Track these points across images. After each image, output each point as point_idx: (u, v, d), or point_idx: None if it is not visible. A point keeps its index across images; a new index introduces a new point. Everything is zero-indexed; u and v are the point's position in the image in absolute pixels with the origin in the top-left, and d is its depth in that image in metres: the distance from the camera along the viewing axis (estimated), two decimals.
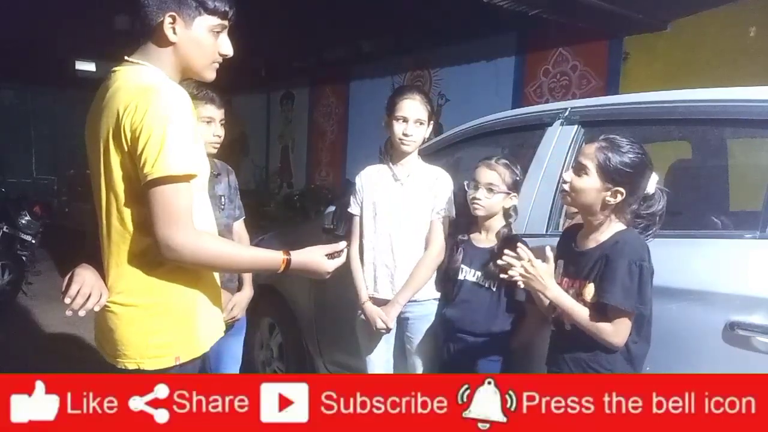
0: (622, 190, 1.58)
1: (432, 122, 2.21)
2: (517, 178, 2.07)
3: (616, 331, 1.55)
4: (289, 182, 9.31)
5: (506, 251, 1.65)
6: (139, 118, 1.28)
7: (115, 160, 1.33)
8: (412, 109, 2.14)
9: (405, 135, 2.14)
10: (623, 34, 4.98)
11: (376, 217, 2.22)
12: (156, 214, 1.29)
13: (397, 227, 2.19)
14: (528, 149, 2.24)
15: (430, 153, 2.51)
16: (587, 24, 4.86)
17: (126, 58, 1.42)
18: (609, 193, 1.59)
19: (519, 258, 1.62)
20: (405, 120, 2.14)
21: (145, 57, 1.40)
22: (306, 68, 8.70)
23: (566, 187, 1.65)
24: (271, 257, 1.46)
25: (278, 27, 6.75)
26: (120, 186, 1.34)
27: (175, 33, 1.37)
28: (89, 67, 8.78)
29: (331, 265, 1.52)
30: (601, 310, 1.56)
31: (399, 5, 5.71)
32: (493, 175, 2.03)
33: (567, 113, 2.11)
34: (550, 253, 1.64)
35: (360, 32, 7.08)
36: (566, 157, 2.01)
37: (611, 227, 1.64)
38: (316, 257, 1.50)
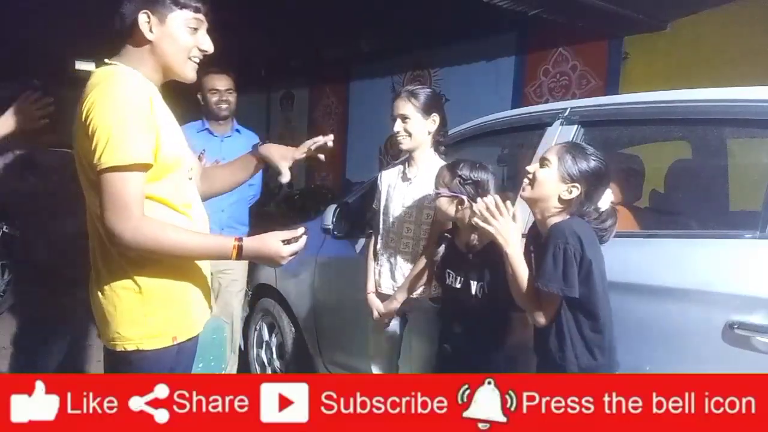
0: (578, 185, 1.62)
1: (434, 114, 2.17)
2: (467, 183, 1.91)
3: (542, 311, 1.60)
4: (289, 182, 9.29)
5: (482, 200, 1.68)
6: (90, 112, 1.30)
7: (86, 158, 1.34)
8: (396, 106, 2.19)
9: (396, 132, 2.20)
10: (623, 34, 4.98)
11: (385, 214, 2.28)
12: (103, 204, 1.31)
13: (400, 225, 2.22)
14: (528, 149, 2.24)
15: None
16: (587, 24, 4.85)
17: (105, 60, 1.43)
18: (566, 187, 1.63)
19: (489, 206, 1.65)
20: (393, 119, 2.20)
21: (123, 59, 1.42)
22: (306, 68, 8.69)
23: (528, 177, 1.69)
24: (221, 243, 1.43)
25: (278, 27, 6.74)
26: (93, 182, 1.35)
27: (151, 31, 1.39)
28: (89, 67, 8.76)
29: (287, 251, 1.44)
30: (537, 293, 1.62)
31: (399, 5, 5.70)
32: (436, 179, 2.00)
33: (567, 113, 2.11)
34: (519, 215, 1.67)
35: (360, 32, 7.07)
36: None
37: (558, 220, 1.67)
38: (271, 243, 1.44)
